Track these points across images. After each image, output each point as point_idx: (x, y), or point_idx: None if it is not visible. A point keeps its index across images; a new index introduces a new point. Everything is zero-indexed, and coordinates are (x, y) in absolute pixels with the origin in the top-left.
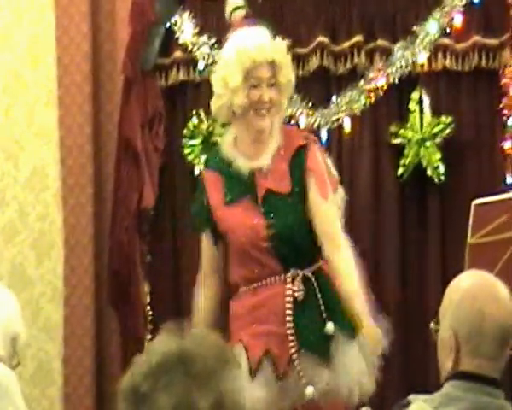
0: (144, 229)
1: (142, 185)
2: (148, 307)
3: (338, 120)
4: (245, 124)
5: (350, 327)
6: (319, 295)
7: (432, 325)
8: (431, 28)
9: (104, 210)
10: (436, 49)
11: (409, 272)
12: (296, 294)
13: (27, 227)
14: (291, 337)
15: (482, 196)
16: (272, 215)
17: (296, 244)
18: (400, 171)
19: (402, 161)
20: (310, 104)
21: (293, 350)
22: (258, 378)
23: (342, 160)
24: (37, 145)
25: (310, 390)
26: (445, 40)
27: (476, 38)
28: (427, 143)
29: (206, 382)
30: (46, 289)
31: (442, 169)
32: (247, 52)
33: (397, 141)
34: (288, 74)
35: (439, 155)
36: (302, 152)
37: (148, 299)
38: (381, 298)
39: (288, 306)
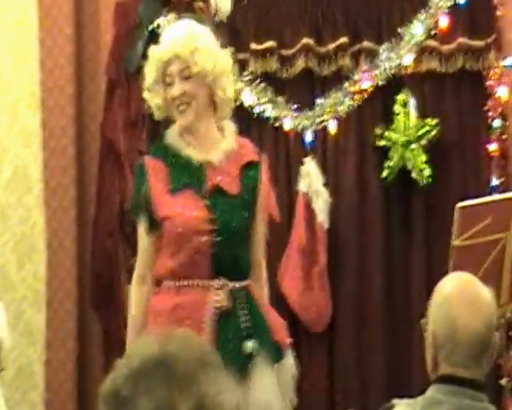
0: (127, 231)
1: (125, 188)
2: None
3: (323, 122)
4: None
5: (272, 351)
6: (244, 312)
7: (422, 321)
8: (416, 30)
9: (87, 212)
10: (421, 51)
11: (393, 273)
12: (219, 304)
13: (9, 230)
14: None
15: (467, 198)
16: (217, 211)
17: (233, 248)
18: (385, 173)
19: (387, 164)
20: (294, 106)
21: None
22: None
23: (327, 162)
24: (19, 147)
25: None
26: (431, 42)
27: (461, 40)
28: (413, 146)
29: (187, 385)
30: (28, 293)
31: (427, 172)
32: (156, 52)
33: (382, 143)
34: (201, 63)
35: (424, 158)
36: (256, 166)
37: None
38: (366, 299)
39: (208, 316)
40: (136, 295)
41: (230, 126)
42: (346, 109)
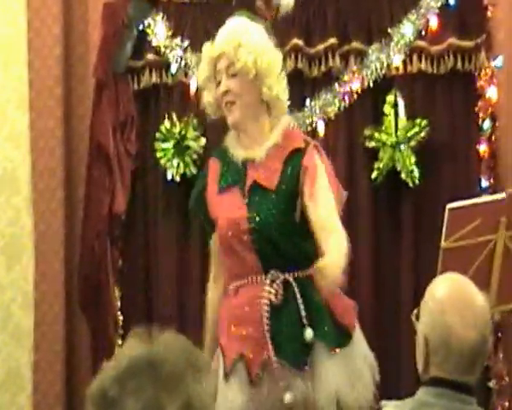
0: (116, 234)
1: (114, 189)
2: (119, 312)
3: (312, 123)
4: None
5: (333, 337)
6: (300, 301)
7: (413, 316)
8: (406, 30)
9: (75, 214)
10: (411, 52)
11: (382, 275)
12: (272, 297)
13: None
14: (266, 342)
15: (457, 199)
16: (254, 208)
17: (276, 243)
18: (374, 174)
19: (376, 165)
20: None
21: (267, 355)
22: (232, 382)
23: None
24: (7, 149)
25: (288, 396)
26: (421, 42)
27: (452, 41)
28: (402, 147)
29: (174, 386)
30: (16, 295)
31: (417, 173)
32: (207, 49)
33: (371, 144)
34: (243, 58)
35: (413, 159)
36: (299, 154)
37: (119, 304)
38: (355, 300)
39: (265, 308)
40: (208, 293)
41: (283, 121)
42: (335, 110)
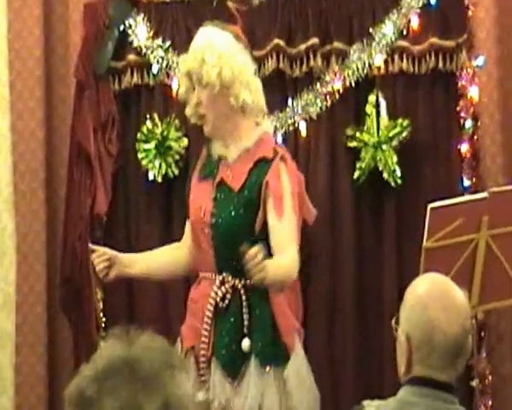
0: (97, 235)
1: (95, 191)
2: (101, 314)
3: (294, 123)
4: None
5: (268, 355)
6: (245, 310)
7: (393, 322)
8: (387, 30)
9: (57, 216)
10: (393, 52)
11: (364, 275)
12: (218, 299)
13: None
14: (205, 342)
15: (439, 199)
16: (219, 205)
17: (230, 245)
18: (356, 174)
19: (358, 165)
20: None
21: (204, 357)
22: None
23: (298, 163)
24: None
25: (200, 394)
26: (402, 42)
27: (433, 40)
28: (384, 147)
29: (152, 386)
30: None
31: (399, 173)
32: (180, 64)
33: (353, 144)
34: (207, 75)
35: (395, 159)
36: (265, 164)
37: (101, 305)
38: (337, 300)
39: (210, 309)
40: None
41: (261, 127)
42: (317, 110)
